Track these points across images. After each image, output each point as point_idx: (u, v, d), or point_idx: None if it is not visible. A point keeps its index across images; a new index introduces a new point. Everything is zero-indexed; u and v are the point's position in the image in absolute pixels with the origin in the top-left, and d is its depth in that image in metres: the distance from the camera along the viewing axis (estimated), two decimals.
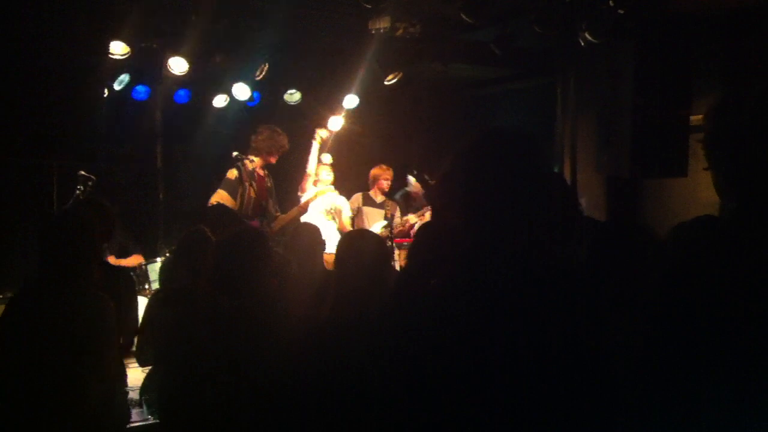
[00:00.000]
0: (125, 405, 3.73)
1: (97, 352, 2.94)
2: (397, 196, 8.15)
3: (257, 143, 6.51)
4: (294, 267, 4.21)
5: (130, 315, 3.66)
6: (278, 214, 6.69)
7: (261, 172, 6.54)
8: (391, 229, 7.28)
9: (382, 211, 7.68)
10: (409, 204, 8.12)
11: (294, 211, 6.72)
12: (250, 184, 6.23)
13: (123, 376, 3.63)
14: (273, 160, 6.58)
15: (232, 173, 6.22)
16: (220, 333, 3.03)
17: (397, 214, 7.75)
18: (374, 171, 7.79)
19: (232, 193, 6.18)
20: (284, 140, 6.56)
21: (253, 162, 6.29)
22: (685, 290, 1.49)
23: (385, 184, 7.74)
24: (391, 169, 7.83)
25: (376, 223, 7.47)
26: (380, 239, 3.28)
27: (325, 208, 7.08)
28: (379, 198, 7.78)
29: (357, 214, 7.74)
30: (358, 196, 7.79)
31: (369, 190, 7.81)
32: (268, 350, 2.88)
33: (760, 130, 1.47)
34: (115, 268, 3.67)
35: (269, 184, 6.69)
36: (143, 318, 3.79)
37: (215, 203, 5.90)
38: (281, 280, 3.76)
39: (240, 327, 2.97)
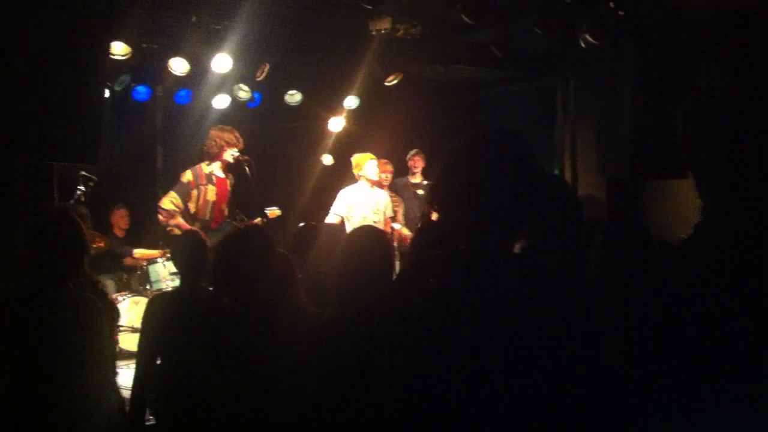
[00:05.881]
0: (120, 406, 3.70)
1: (92, 354, 2.91)
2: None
3: (206, 148, 6.37)
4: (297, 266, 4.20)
5: None
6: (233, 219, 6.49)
7: (221, 175, 6.41)
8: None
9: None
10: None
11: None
12: (207, 187, 6.27)
13: (111, 379, 3.59)
14: (228, 157, 6.31)
15: (186, 176, 6.28)
16: (221, 334, 2.99)
17: (401, 210, 7.61)
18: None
19: (183, 196, 6.21)
20: (227, 135, 6.32)
21: (209, 165, 6.32)
22: (689, 290, 1.48)
23: (383, 178, 7.46)
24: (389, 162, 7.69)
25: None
26: (383, 235, 3.20)
27: (372, 209, 6.91)
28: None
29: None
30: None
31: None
32: (269, 351, 2.84)
33: (752, 130, 1.46)
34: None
35: (229, 187, 6.47)
36: (144, 319, 3.78)
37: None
38: (284, 279, 3.72)
39: (240, 328, 2.93)
